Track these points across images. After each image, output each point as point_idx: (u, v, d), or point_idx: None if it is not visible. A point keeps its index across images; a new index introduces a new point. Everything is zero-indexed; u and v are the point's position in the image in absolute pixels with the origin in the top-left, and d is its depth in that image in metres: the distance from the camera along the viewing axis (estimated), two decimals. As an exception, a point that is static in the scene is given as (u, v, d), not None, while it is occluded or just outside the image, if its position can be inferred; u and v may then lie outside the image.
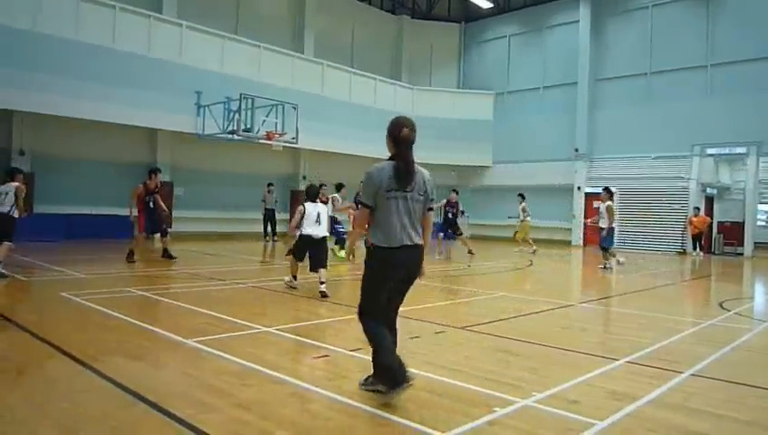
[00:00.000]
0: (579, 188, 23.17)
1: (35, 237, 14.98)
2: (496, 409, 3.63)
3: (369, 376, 3.88)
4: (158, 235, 12.61)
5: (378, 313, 3.87)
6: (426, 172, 4.00)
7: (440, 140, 25.06)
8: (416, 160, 3.98)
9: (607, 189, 13.98)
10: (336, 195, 13.68)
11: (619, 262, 14.07)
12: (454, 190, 17.14)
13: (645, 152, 21.75)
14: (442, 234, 16.41)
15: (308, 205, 8.41)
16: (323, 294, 7.94)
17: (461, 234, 16.50)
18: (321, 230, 8.36)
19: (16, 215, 9.21)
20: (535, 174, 24.14)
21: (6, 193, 9.17)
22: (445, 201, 16.19)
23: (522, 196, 19.57)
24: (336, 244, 13.74)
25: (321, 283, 8.12)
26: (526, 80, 25.62)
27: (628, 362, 4.99)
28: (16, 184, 9.28)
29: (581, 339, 6.12)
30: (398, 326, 4.08)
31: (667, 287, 11.37)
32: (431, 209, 4.03)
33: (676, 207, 21.18)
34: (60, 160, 16.97)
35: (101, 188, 17.77)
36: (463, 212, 20.38)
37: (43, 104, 15.01)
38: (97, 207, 17.42)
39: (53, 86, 14.94)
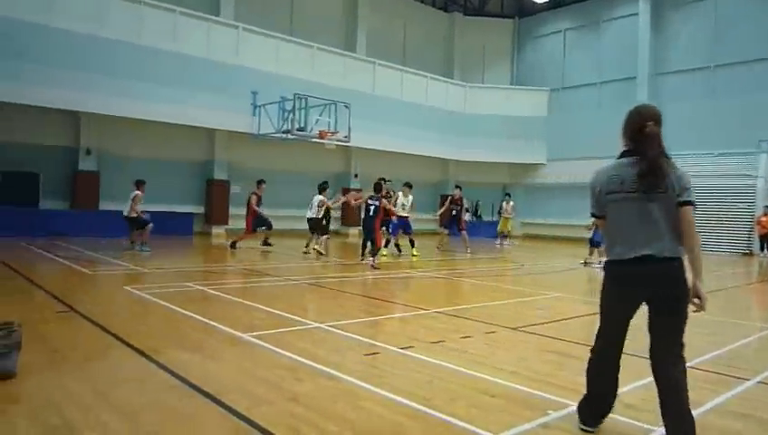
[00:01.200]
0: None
1: (100, 233, 15.69)
2: (550, 411, 3.56)
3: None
4: (263, 228, 15.17)
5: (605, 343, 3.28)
6: (675, 165, 3.11)
7: (493, 138, 24.79)
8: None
9: None
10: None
11: (600, 262, 13.23)
12: (457, 187, 17.10)
13: (708, 149, 20.82)
14: (447, 230, 17.18)
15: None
16: None
17: (462, 229, 16.37)
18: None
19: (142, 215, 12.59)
20: (591, 172, 23.43)
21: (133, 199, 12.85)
22: (450, 198, 16.64)
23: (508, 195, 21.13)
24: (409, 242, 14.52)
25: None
26: (582, 75, 24.99)
27: (690, 367, 4.76)
28: (137, 192, 12.98)
29: (639, 342, 5.88)
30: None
31: (732, 290, 10.87)
32: (687, 203, 3.09)
33: (741, 206, 20.19)
34: (123, 159, 17.69)
35: (162, 185, 18.40)
36: (467, 209, 20.61)
37: (107, 105, 15.70)
38: (158, 204, 18.04)
39: (117, 88, 15.61)
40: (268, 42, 19.12)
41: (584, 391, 3.44)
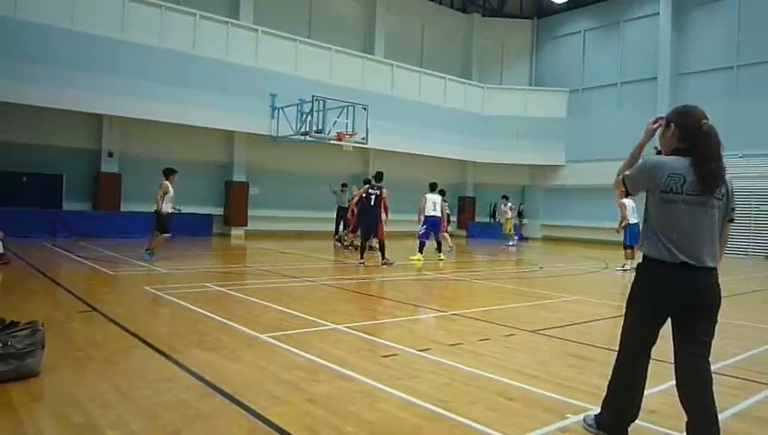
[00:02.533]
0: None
1: (122, 234, 15.91)
2: (569, 415, 3.53)
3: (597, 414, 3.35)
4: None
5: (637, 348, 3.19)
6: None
7: (511, 140, 24.66)
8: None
9: None
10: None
11: (624, 267, 13.01)
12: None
13: (731, 150, 20.39)
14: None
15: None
16: None
17: (445, 230, 16.07)
18: None
19: (165, 210, 11.04)
20: (611, 173, 22.96)
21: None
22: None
23: (506, 197, 21.17)
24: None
25: None
26: (602, 76, 24.75)
27: (713, 371, 4.72)
28: (163, 182, 11.30)
29: (660, 346, 5.82)
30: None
31: (755, 294, 10.68)
32: (732, 221, 3.05)
33: (765, 208, 19.84)
34: (144, 161, 17.91)
35: (182, 187, 18.56)
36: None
37: (129, 108, 15.93)
38: (178, 205, 18.24)
39: (139, 91, 15.84)
40: (287, 44, 19.25)
41: (602, 394, 3.37)
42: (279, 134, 18.25)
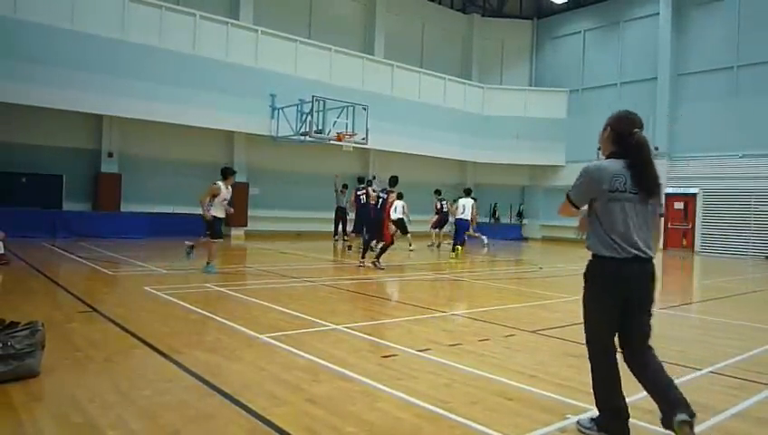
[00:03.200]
0: (658, 188, 22.15)
1: (122, 234, 15.92)
2: (569, 416, 3.53)
3: (593, 417, 3.36)
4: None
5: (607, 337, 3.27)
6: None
7: (511, 140, 24.66)
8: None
9: None
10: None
11: None
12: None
13: (731, 150, 20.50)
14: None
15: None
16: None
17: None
18: None
19: (210, 214, 9.89)
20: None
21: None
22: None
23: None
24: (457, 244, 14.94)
25: None
26: (602, 76, 24.75)
27: (712, 371, 4.73)
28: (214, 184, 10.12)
29: (660, 346, 5.82)
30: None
31: (755, 294, 10.69)
32: (662, 215, 3.40)
33: (764, 208, 19.85)
34: (144, 161, 17.93)
35: (182, 187, 18.62)
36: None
37: (129, 108, 15.93)
38: (178, 205, 18.27)
39: (139, 91, 15.83)
40: (286, 44, 19.24)
41: (597, 401, 3.33)
42: (279, 134, 18.24)
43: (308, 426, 3.23)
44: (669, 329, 6.95)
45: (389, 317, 6.86)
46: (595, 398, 3.32)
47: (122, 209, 17.25)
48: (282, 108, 17.99)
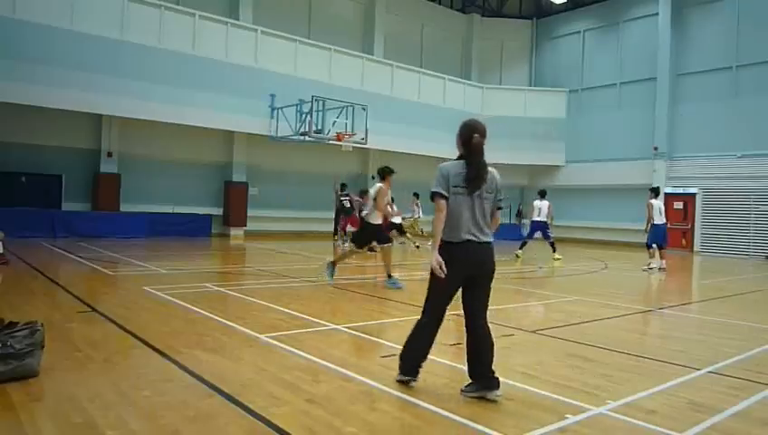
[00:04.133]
0: (658, 188, 22.14)
1: (121, 234, 15.92)
2: (568, 416, 3.53)
3: (470, 383, 3.89)
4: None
5: (439, 310, 4.03)
6: (495, 172, 4.04)
7: (511, 140, 24.64)
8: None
9: (651, 189, 14.59)
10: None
11: (650, 266, 13.61)
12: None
13: (730, 150, 20.51)
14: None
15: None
16: None
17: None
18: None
19: (372, 219, 9.04)
20: (611, 173, 23.31)
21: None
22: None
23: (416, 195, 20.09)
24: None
25: None
26: (601, 76, 24.76)
27: (711, 371, 4.73)
28: (378, 186, 9.14)
29: (660, 346, 5.86)
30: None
31: (755, 294, 10.69)
32: (500, 208, 4.06)
33: (764, 208, 19.87)
34: (143, 161, 17.93)
35: (181, 187, 18.67)
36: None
37: (129, 108, 15.93)
38: (177, 205, 18.29)
39: (138, 91, 15.83)
40: (286, 45, 19.24)
41: (602, 395, 3.38)
42: (278, 134, 18.24)
43: (308, 426, 3.23)
44: (669, 329, 6.96)
45: (389, 317, 6.87)
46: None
47: (122, 209, 17.25)
48: (281, 108, 17.99)
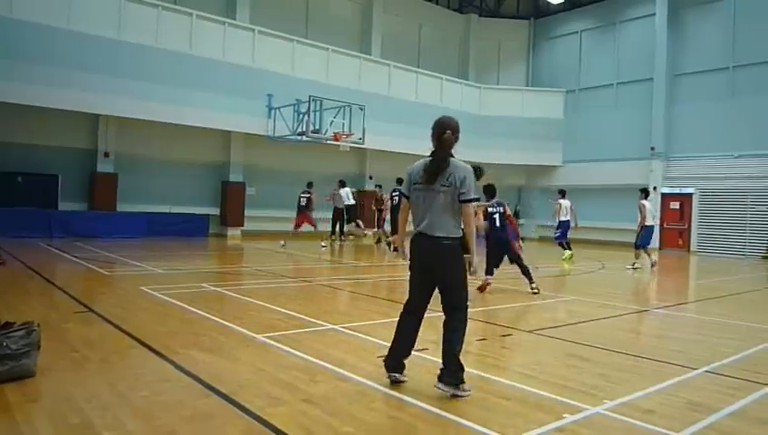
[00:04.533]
0: (654, 188, 22.20)
1: (117, 234, 15.89)
2: (566, 415, 3.53)
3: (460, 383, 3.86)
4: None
5: (409, 302, 4.18)
6: (461, 166, 3.94)
7: (508, 140, 24.68)
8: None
9: (642, 190, 14.61)
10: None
11: (652, 264, 13.96)
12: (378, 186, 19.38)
13: (727, 151, 20.54)
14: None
15: None
16: None
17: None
18: None
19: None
20: (608, 174, 23.32)
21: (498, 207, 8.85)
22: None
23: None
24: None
25: None
26: (599, 76, 24.78)
27: (708, 371, 4.74)
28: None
29: (657, 346, 5.87)
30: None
31: (752, 294, 10.72)
32: (468, 201, 3.90)
33: (761, 208, 19.90)
34: (140, 161, 17.88)
35: (179, 187, 18.63)
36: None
37: (126, 108, 15.89)
38: (174, 205, 18.26)
39: (135, 91, 15.79)
40: (283, 44, 19.22)
41: (599, 394, 3.37)
42: (276, 134, 18.22)
43: (305, 426, 3.23)
44: (666, 328, 6.97)
45: (387, 317, 6.85)
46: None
47: (118, 209, 17.21)
48: (279, 108, 17.97)
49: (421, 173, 3.97)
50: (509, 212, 9.37)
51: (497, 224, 9.08)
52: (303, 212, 16.79)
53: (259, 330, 5.52)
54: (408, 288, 4.19)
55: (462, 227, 3.94)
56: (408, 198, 4.08)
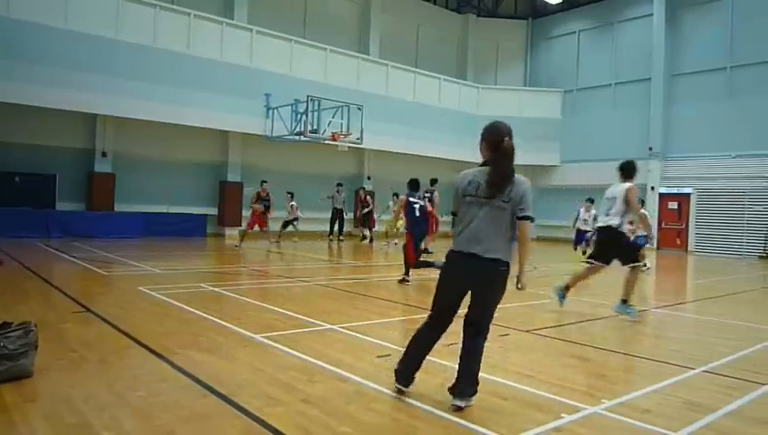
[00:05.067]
0: (652, 188, 22.25)
1: (115, 234, 15.87)
2: (564, 415, 3.54)
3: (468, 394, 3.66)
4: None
5: (434, 317, 3.85)
6: (521, 179, 3.61)
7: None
8: (477, 161, 3.87)
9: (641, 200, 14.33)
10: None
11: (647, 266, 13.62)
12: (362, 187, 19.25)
13: (724, 151, 20.58)
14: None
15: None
16: None
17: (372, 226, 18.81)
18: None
19: (626, 229, 7.21)
20: (606, 174, 23.15)
21: (614, 199, 7.22)
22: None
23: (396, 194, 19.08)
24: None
25: None
26: (596, 76, 24.81)
27: (706, 371, 4.75)
28: (628, 185, 7.15)
29: (655, 346, 5.88)
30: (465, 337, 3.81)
31: (749, 293, 10.74)
32: (527, 218, 3.57)
33: (758, 208, 19.94)
34: (138, 161, 17.85)
35: (176, 187, 18.60)
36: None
37: (123, 108, 15.87)
38: (172, 205, 18.24)
39: (133, 90, 15.77)
40: (281, 44, 19.21)
41: (597, 394, 3.39)
42: (274, 134, 18.21)
43: (303, 426, 3.23)
44: (664, 328, 6.98)
45: (385, 317, 6.86)
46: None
47: (116, 209, 17.18)
48: (277, 107, 17.96)
49: (479, 185, 3.58)
50: (432, 208, 10.36)
51: (416, 214, 9.85)
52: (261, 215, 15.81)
53: (257, 330, 5.52)
54: (435, 294, 3.84)
55: (510, 243, 3.64)
56: (455, 214, 3.74)
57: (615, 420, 3.52)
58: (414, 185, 10.11)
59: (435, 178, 16.01)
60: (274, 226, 17.03)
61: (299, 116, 17.62)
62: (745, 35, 20.33)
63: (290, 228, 17.68)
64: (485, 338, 3.78)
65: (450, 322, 3.84)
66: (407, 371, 3.84)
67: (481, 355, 3.73)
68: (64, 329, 5.33)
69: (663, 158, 22.13)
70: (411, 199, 9.90)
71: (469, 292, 3.70)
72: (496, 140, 3.60)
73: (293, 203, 17.80)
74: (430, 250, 15.01)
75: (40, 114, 15.55)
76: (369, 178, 23.02)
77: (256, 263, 12.27)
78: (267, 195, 15.92)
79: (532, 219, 3.57)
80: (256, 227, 15.72)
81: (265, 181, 16.23)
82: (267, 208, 15.84)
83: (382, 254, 15.77)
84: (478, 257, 3.53)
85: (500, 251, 3.56)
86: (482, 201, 3.56)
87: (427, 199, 10.22)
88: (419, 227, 10.02)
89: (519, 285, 3.75)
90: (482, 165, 3.69)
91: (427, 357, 4.75)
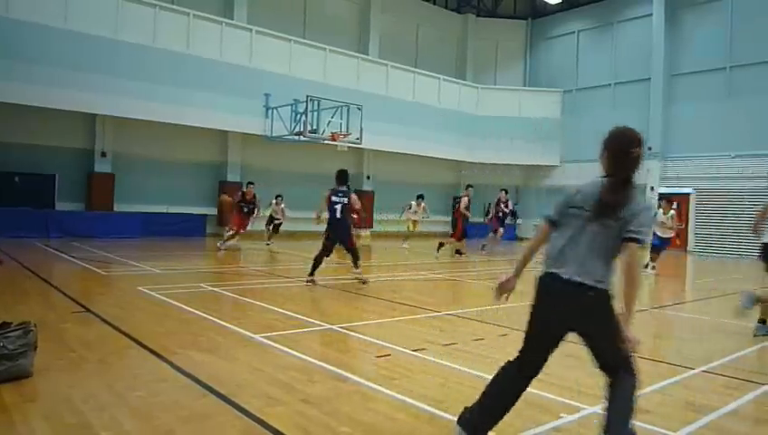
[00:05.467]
0: (652, 188, 22.24)
1: (115, 234, 15.86)
2: (563, 415, 3.54)
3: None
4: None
5: (522, 358, 3.16)
6: (640, 199, 2.94)
7: (506, 140, 24.70)
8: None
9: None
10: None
11: (646, 265, 13.35)
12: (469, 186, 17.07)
13: (724, 151, 20.58)
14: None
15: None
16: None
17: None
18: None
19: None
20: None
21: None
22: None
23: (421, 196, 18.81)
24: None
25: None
26: (596, 76, 24.80)
27: (705, 371, 4.75)
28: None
29: (654, 346, 5.88)
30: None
31: (749, 294, 10.73)
32: (638, 241, 2.76)
33: (757, 208, 19.91)
34: (137, 161, 17.84)
35: (176, 187, 18.60)
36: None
37: (123, 108, 15.87)
38: (172, 205, 18.23)
39: (132, 90, 15.76)
40: (281, 44, 19.21)
41: (596, 394, 3.37)
42: (273, 134, 18.22)
43: (302, 426, 3.23)
44: (663, 328, 6.98)
45: (384, 317, 6.86)
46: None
47: (115, 209, 17.17)
48: (276, 107, 17.96)
49: (595, 199, 2.89)
50: (355, 204, 9.12)
51: (337, 215, 8.90)
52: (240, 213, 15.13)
53: (257, 330, 5.52)
54: (524, 341, 3.32)
55: (611, 271, 2.86)
56: (553, 223, 3.06)
57: (614, 419, 3.51)
58: (342, 177, 8.98)
59: (470, 183, 16.34)
60: (258, 225, 17.00)
61: (298, 116, 17.62)
62: (745, 35, 20.33)
63: (269, 228, 17.34)
64: (633, 383, 2.96)
65: (542, 366, 3.23)
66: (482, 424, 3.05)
67: (630, 401, 2.95)
68: (64, 329, 5.33)
69: (663, 158, 22.13)
70: (334, 198, 8.84)
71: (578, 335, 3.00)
72: (624, 149, 2.96)
73: (282, 205, 17.68)
74: (462, 252, 14.97)
75: (40, 114, 15.54)
76: (368, 178, 23.02)
77: (256, 263, 12.26)
78: (253, 197, 15.22)
79: (640, 242, 2.76)
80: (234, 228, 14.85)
81: (252, 183, 15.61)
82: (252, 211, 15.18)
83: (383, 254, 15.75)
84: (573, 283, 2.86)
85: (595, 274, 2.83)
86: (591, 216, 2.88)
87: (347, 197, 8.96)
88: (339, 229, 8.93)
89: (624, 337, 2.80)
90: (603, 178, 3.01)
91: (427, 357, 4.75)
